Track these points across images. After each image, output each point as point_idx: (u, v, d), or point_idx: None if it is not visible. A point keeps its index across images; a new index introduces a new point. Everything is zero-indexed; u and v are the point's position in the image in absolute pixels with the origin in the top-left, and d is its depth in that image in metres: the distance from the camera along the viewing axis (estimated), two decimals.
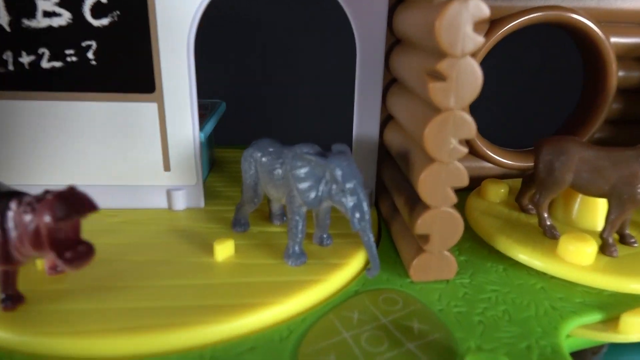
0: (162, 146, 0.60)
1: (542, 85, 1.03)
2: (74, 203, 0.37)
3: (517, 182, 0.67)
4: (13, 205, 0.38)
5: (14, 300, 0.42)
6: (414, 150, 0.49)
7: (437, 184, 0.45)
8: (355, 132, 0.62)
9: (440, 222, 0.46)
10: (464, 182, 0.45)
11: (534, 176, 0.55)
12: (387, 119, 0.62)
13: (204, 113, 0.74)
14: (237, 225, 0.56)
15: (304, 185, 0.46)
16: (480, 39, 0.40)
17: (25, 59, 0.56)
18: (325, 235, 0.53)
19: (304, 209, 0.49)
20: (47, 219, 0.36)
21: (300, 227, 0.49)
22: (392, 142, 0.57)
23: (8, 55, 0.56)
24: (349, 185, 0.44)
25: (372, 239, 0.45)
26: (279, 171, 0.49)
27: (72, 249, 0.38)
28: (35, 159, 0.59)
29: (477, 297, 0.47)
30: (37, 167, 0.60)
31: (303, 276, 0.48)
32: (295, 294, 0.45)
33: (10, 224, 0.39)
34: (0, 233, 0.40)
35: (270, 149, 0.51)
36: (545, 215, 0.53)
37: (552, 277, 0.50)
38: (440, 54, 0.41)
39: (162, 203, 0.63)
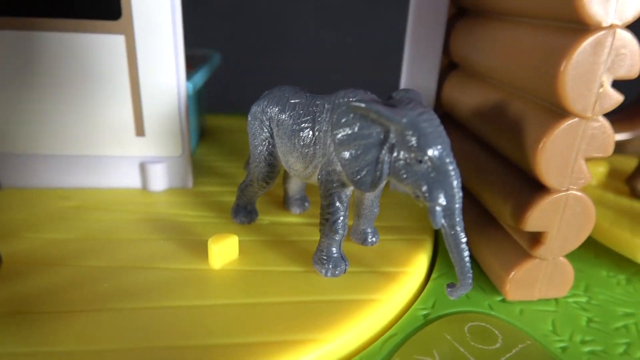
0: (132, 100, 0.43)
1: None
2: None
3: (617, 160, 0.51)
4: None
5: None
6: (517, 106, 0.32)
7: (569, 153, 0.28)
8: (404, 86, 0.45)
9: (565, 212, 0.30)
10: (609, 149, 0.29)
11: None
12: (446, 71, 0.45)
13: (192, 63, 0.56)
14: (241, 214, 0.39)
15: (352, 154, 0.29)
16: None
17: None
18: (370, 230, 0.37)
19: (349, 192, 0.32)
20: None
21: (340, 220, 0.32)
22: (462, 100, 0.40)
23: None
24: (431, 153, 0.27)
25: (464, 240, 0.28)
26: (309, 133, 0.32)
27: None
28: None
29: (609, 327, 0.31)
30: None
31: (345, 294, 0.31)
32: (337, 325, 0.28)
33: None
34: None
35: (294, 100, 0.34)
36: None
37: None
38: None
39: (134, 181, 0.45)
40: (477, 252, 0.37)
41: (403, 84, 0.45)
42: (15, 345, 0.26)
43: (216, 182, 0.48)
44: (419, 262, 0.35)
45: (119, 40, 0.41)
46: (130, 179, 0.45)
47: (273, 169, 0.37)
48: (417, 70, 0.44)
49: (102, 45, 0.41)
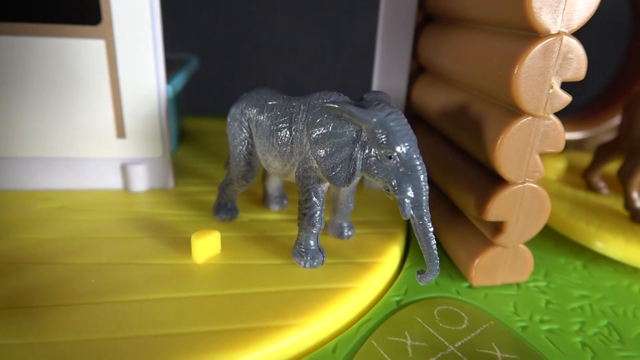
0: (113, 102, 0.44)
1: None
2: None
3: (575, 157, 0.54)
4: None
5: None
6: (478, 106, 0.35)
7: (524, 148, 0.31)
8: (375, 88, 0.47)
9: (522, 203, 0.32)
10: (560, 145, 0.32)
11: (617, 144, 0.43)
12: (415, 74, 0.48)
13: (171, 67, 0.57)
14: (222, 212, 0.41)
15: (327, 152, 0.31)
16: None
17: None
18: (346, 224, 0.39)
19: (325, 187, 0.34)
20: None
21: (317, 214, 0.34)
22: (429, 101, 0.43)
23: None
24: (400, 150, 0.29)
25: (431, 229, 0.30)
26: (286, 132, 0.34)
27: None
28: None
29: (566, 308, 0.34)
30: None
31: (323, 283, 0.33)
32: (316, 311, 0.30)
33: None
34: None
35: (272, 102, 0.36)
36: (636, 195, 0.41)
37: None
38: None
39: (116, 182, 0.46)
40: (445, 242, 0.39)
41: (375, 86, 0.47)
42: (11, 337, 0.27)
43: (197, 182, 0.49)
44: (392, 253, 0.37)
45: (100, 44, 0.42)
46: (111, 180, 0.46)
47: (252, 167, 0.39)
48: (387, 73, 0.47)
49: (82, 50, 0.42)
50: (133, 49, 0.42)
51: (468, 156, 0.37)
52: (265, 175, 0.43)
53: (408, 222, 0.43)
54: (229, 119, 0.38)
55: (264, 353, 0.28)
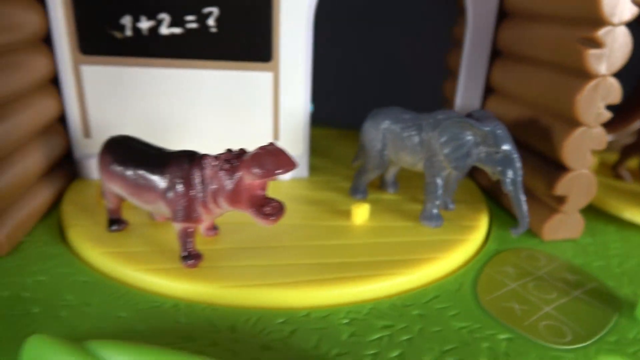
0: (273, 116, 0.61)
1: None
2: (277, 159, 0.37)
3: (604, 156, 0.71)
4: (210, 161, 0.39)
5: (196, 257, 0.42)
6: (545, 119, 0.52)
7: (581, 147, 0.48)
8: (457, 105, 0.64)
9: (579, 183, 0.49)
10: (603, 145, 0.48)
11: (638, 144, 0.59)
12: (485, 94, 0.65)
13: None
14: (357, 192, 0.58)
15: (452, 149, 0.48)
16: (636, 9, 0.43)
17: (144, 24, 0.55)
18: (449, 200, 0.56)
19: (445, 173, 0.51)
20: (256, 172, 0.36)
21: (439, 191, 0.51)
22: (502, 115, 0.60)
23: (127, 20, 0.55)
24: (505, 147, 0.46)
25: (523, 198, 0.47)
26: (416, 138, 0.51)
27: (268, 205, 0.38)
28: (146, 125, 0.59)
29: (607, 253, 0.51)
30: (149, 134, 0.59)
31: (447, 236, 0.50)
32: (451, 251, 0.47)
33: (198, 179, 0.40)
34: (185, 190, 0.40)
35: (406, 116, 0.53)
36: None
37: None
38: (596, 22, 0.44)
39: None
40: None
41: (458, 100, 0.64)
42: (277, 259, 0.44)
43: (324, 174, 0.65)
44: (484, 219, 0.54)
45: (268, 76, 0.59)
46: None
47: (384, 161, 0.55)
48: (467, 92, 0.64)
49: (255, 79, 0.59)
50: (290, 79, 0.59)
51: (536, 154, 0.54)
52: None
53: (486, 199, 0.60)
54: (367, 127, 0.55)
55: (425, 273, 0.44)
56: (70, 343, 0.30)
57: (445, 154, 0.49)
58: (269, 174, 0.37)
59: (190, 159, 0.41)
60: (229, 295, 0.40)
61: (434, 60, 0.80)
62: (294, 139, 0.62)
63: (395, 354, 0.35)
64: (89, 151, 0.60)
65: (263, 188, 0.39)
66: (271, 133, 0.62)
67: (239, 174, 0.38)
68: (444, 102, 0.75)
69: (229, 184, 0.38)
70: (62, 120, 0.59)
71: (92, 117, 0.58)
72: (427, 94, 0.78)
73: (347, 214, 0.53)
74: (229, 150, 0.40)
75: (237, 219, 0.49)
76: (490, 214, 0.58)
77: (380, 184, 0.61)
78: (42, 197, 0.53)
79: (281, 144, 0.62)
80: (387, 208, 0.56)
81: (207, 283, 0.41)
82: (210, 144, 0.60)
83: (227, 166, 0.38)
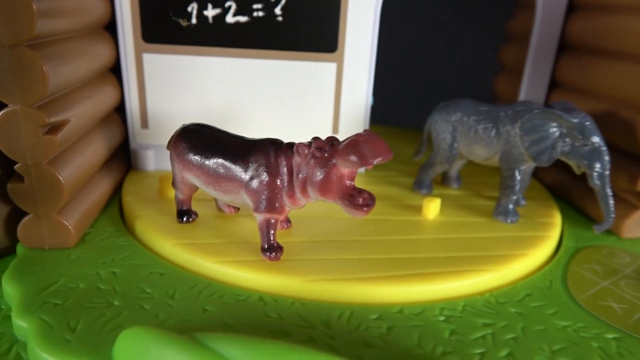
0: (334, 108, 0.59)
1: None
2: (375, 146, 0.36)
3: None
4: (302, 148, 0.37)
5: (278, 250, 0.41)
6: (624, 112, 0.50)
7: None
8: (522, 98, 0.62)
9: None
10: None
11: None
12: (549, 88, 0.63)
13: None
14: (422, 187, 0.56)
15: (535, 141, 0.46)
16: None
17: (211, 12, 0.53)
18: (520, 196, 0.54)
19: (524, 167, 0.49)
20: (353, 160, 0.35)
21: (517, 186, 0.49)
22: None
23: (193, 7, 0.53)
24: (594, 140, 0.44)
25: (610, 193, 0.46)
26: (493, 130, 0.49)
27: (359, 196, 0.37)
28: (203, 116, 0.57)
29: None
30: (211, 122, 0.57)
31: (523, 232, 0.48)
32: (536, 247, 0.45)
33: (284, 169, 0.38)
34: (270, 179, 0.39)
35: (481, 108, 0.51)
36: None
37: None
38: None
39: None
40: (591, 210, 0.54)
41: (522, 96, 0.62)
42: (354, 254, 0.42)
43: (383, 170, 0.64)
44: (557, 216, 0.53)
45: (332, 66, 0.57)
46: None
47: (453, 154, 0.53)
48: (532, 86, 0.62)
49: (319, 70, 0.57)
50: (354, 70, 0.58)
51: (611, 147, 0.53)
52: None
53: (555, 197, 0.58)
54: (436, 120, 0.53)
55: (500, 274, 0.42)
56: (177, 336, 0.29)
57: (527, 146, 0.47)
58: (366, 162, 0.35)
59: (276, 147, 0.40)
60: (317, 289, 0.39)
61: (481, 57, 0.78)
62: (354, 132, 0.61)
63: (503, 353, 0.33)
64: (145, 142, 0.58)
65: (352, 178, 0.38)
66: (330, 125, 0.60)
67: (332, 162, 0.36)
68: (495, 98, 0.73)
69: (319, 173, 0.36)
70: (119, 110, 0.58)
71: (151, 107, 0.57)
72: (479, 91, 0.76)
73: (416, 209, 0.52)
74: (317, 139, 0.38)
75: (307, 212, 0.47)
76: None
77: (443, 180, 0.60)
78: (103, 187, 0.52)
79: (340, 136, 0.61)
80: (455, 203, 0.54)
81: (292, 276, 0.39)
82: (269, 135, 0.59)
83: (319, 154, 0.37)
